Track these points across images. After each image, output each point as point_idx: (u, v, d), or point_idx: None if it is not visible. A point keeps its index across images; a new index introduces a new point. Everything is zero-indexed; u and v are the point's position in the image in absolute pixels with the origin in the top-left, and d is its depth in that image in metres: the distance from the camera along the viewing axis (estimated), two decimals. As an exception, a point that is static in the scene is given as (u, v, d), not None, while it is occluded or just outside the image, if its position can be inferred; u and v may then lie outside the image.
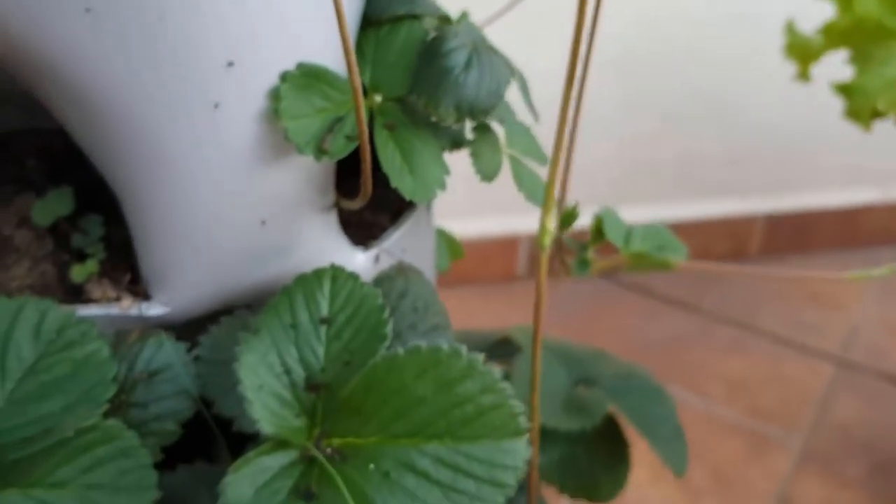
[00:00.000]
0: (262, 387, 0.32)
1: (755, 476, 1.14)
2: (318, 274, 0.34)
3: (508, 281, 1.53)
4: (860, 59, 0.80)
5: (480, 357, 0.33)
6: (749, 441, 1.18)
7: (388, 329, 0.34)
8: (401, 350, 0.32)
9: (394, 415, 0.32)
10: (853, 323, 1.40)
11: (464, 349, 0.33)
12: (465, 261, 1.50)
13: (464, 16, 0.39)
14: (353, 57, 0.29)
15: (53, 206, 0.36)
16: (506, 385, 0.33)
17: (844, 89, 0.79)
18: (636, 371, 0.63)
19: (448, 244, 0.62)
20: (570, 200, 1.48)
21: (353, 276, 0.35)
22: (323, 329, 0.34)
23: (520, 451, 0.31)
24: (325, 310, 0.34)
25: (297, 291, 0.34)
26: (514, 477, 0.30)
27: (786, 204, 1.53)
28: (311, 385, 0.33)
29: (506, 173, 0.40)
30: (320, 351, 0.34)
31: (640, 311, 1.41)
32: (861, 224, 1.54)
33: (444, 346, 0.33)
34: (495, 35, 0.40)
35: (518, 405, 0.33)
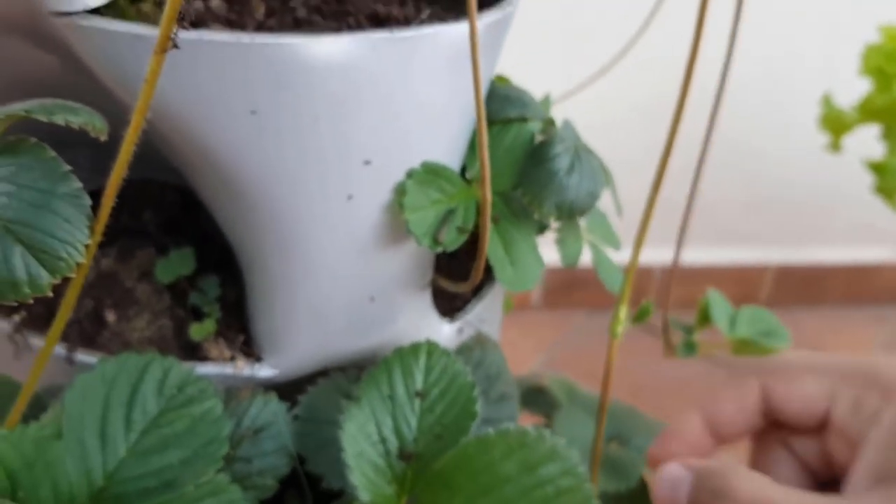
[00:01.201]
0: (361, 454, 0.35)
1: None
2: (415, 348, 0.37)
3: (522, 309, 1.56)
4: (893, 138, 0.83)
5: (562, 441, 0.36)
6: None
7: (478, 407, 0.37)
8: (491, 430, 0.35)
9: (480, 491, 0.35)
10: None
11: (547, 433, 0.36)
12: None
13: (546, 103, 0.42)
14: (488, 170, 0.32)
15: (176, 265, 0.38)
16: (583, 469, 0.36)
17: (876, 167, 0.82)
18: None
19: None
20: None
21: (447, 353, 0.37)
22: (417, 402, 0.37)
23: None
24: (420, 383, 0.37)
25: (395, 364, 0.37)
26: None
27: (797, 256, 1.56)
28: (404, 455, 0.36)
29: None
30: (414, 423, 0.36)
31: (653, 352, 1.44)
32: (870, 281, 1.57)
33: (531, 429, 0.36)
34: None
35: (591, 488, 0.35)
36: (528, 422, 0.67)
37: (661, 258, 1.53)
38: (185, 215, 0.43)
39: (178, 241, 0.41)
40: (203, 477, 0.34)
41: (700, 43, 0.44)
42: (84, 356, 0.36)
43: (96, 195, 0.45)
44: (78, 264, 0.26)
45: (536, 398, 0.70)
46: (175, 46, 0.24)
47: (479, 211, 0.37)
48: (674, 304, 1.56)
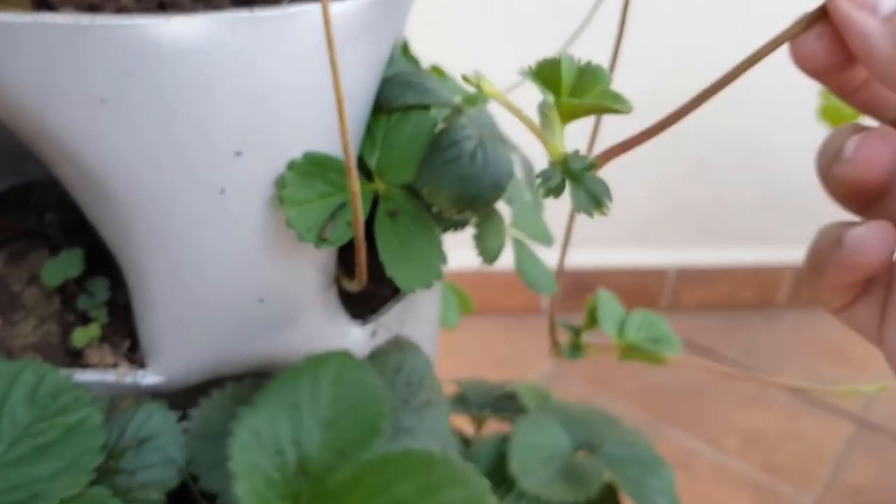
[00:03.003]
0: (254, 466, 0.33)
1: (762, 535, 1.13)
2: (327, 358, 0.35)
3: (531, 314, 1.53)
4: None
5: (470, 466, 0.33)
6: (760, 497, 1.16)
7: (385, 424, 0.34)
8: (395, 449, 0.33)
9: (374, 511, 0.32)
10: (877, 383, 1.37)
11: (455, 457, 0.33)
12: (489, 291, 1.50)
13: (476, 100, 0.39)
14: (351, 147, 0.29)
15: (63, 267, 0.37)
16: (490, 498, 0.33)
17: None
18: (639, 439, 0.62)
19: (458, 298, 0.62)
20: (604, 243, 1.47)
21: (361, 365, 0.35)
22: (323, 413, 0.34)
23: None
24: (328, 395, 0.34)
25: (303, 373, 0.35)
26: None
27: (816, 256, 1.51)
28: (301, 469, 0.33)
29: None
30: (317, 436, 0.34)
31: (661, 355, 1.40)
32: (892, 281, 1.52)
33: (437, 451, 0.33)
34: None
35: (498, 521, 0.33)
36: (495, 429, 0.64)
37: (674, 260, 1.50)
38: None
39: (76, 242, 0.39)
40: (74, 489, 0.32)
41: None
42: (-38, 363, 0.34)
43: (2, 198, 0.44)
44: None
45: (506, 405, 0.67)
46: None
47: (375, 205, 0.35)
48: (688, 306, 1.53)
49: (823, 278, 0.28)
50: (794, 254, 1.52)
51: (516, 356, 1.40)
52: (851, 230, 0.26)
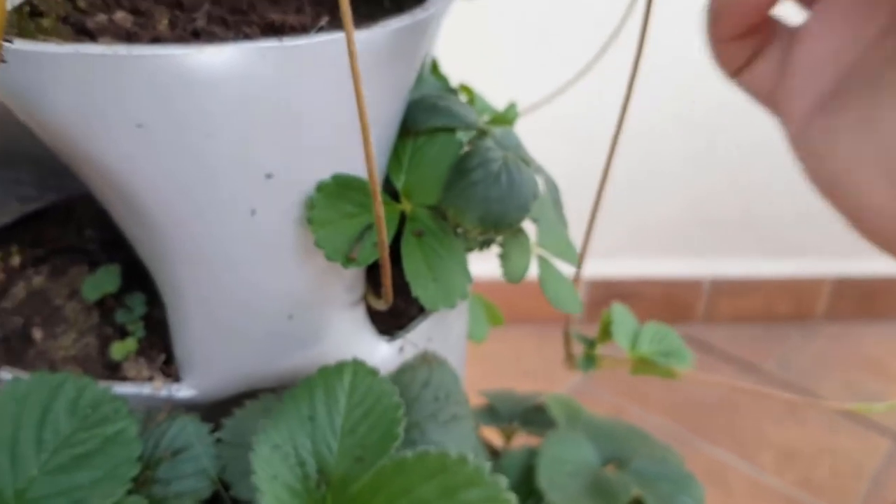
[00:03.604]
0: (276, 477, 0.34)
1: (797, 553, 1.11)
2: (339, 368, 0.36)
3: (560, 324, 1.52)
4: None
5: (487, 465, 0.34)
6: (795, 514, 1.15)
7: (401, 429, 0.35)
8: (409, 453, 0.34)
9: (398, 516, 0.33)
10: (917, 399, 1.35)
11: (471, 456, 0.34)
12: (523, 300, 1.50)
13: (505, 118, 0.40)
14: (377, 172, 0.30)
15: (102, 282, 0.38)
16: (510, 496, 0.34)
17: None
18: (669, 455, 0.62)
19: (487, 311, 0.63)
20: (638, 254, 1.46)
21: (373, 372, 0.36)
22: (339, 423, 0.35)
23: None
24: (343, 404, 0.35)
25: (317, 384, 0.36)
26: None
27: (855, 268, 1.49)
28: (323, 479, 0.34)
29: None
30: (334, 445, 0.35)
31: (696, 367, 1.39)
32: (934, 295, 1.49)
33: (453, 452, 0.34)
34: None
35: (517, 518, 0.33)
36: (524, 441, 0.65)
37: (709, 270, 1.49)
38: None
39: (115, 257, 0.40)
40: (112, 498, 0.33)
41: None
42: (7, 374, 0.36)
43: (42, 214, 0.46)
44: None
45: (535, 417, 0.68)
46: (2, 61, 0.23)
47: (402, 225, 0.36)
48: (724, 317, 1.51)
49: (719, 27, 0.31)
50: (832, 266, 1.50)
51: (546, 366, 1.40)
52: None
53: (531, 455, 0.60)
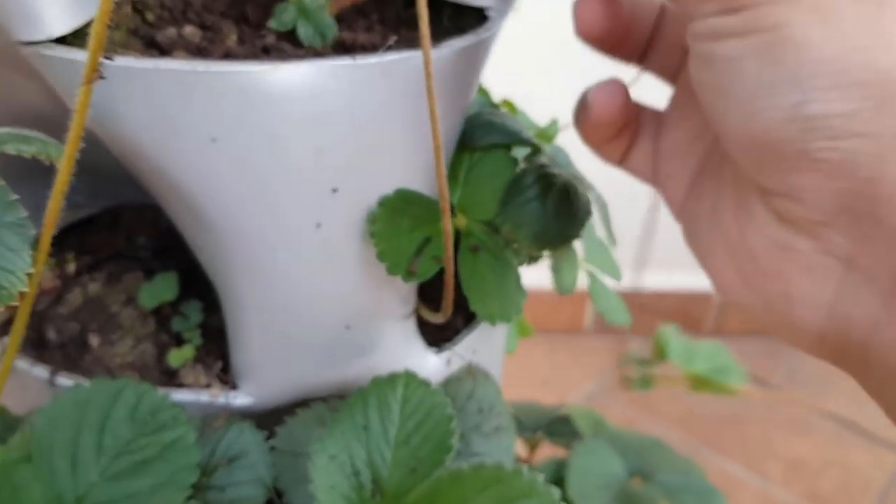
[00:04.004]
0: (333, 487, 0.34)
1: (807, 566, 1.12)
2: (392, 379, 0.36)
3: (575, 333, 1.53)
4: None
5: (541, 477, 0.34)
6: (803, 527, 1.16)
7: (455, 440, 0.35)
8: (465, 465, 0.34)
9: (453, 527, 0.34)
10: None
11: (525, 468, 0.34)
12: (533, 310, 1.50)
13: (546, 134, 0.41)
14: (446, 185, 0.31)
15: (159, 290, 0.39)
16: (562, 504, 0.34)
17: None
18: (691, 468, 0.63)
19: (517, 323, 0.64)
20: (647, 266, 1.47)
21: (425, 384, 0.36)
22: (393, 433, 0.36)
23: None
24: (396, 415, 0.36)
25: (370, 394, 0.36)
26: None
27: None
28: (377, 489, 0.35)
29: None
30: (388, 455, 0.35)
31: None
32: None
33: (508, 464, 0.34)
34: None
35: (571, 526, 0.34)
36: (549, 453, 0.65)
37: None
38: (177, 240, 0.43)
39: (168, 265, 0.41)
40: (172, 504, 0.34)
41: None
42: (65, 380, 0.36)
43: (93, 221, 0.46)
44: (21, 293, 0.26)
45: (560, 429, 0.68)
46: (101, 77, 0.24)
47: (458, 240, 0.37)
48: (732, 330, 1.52)
49: (588, 134, 0.33)
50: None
51: (559, 376, 1.40)
52: (589, 91, 0.32)
53: (559, 466, 0.61)
